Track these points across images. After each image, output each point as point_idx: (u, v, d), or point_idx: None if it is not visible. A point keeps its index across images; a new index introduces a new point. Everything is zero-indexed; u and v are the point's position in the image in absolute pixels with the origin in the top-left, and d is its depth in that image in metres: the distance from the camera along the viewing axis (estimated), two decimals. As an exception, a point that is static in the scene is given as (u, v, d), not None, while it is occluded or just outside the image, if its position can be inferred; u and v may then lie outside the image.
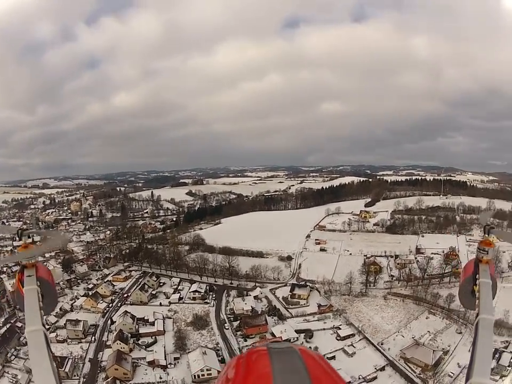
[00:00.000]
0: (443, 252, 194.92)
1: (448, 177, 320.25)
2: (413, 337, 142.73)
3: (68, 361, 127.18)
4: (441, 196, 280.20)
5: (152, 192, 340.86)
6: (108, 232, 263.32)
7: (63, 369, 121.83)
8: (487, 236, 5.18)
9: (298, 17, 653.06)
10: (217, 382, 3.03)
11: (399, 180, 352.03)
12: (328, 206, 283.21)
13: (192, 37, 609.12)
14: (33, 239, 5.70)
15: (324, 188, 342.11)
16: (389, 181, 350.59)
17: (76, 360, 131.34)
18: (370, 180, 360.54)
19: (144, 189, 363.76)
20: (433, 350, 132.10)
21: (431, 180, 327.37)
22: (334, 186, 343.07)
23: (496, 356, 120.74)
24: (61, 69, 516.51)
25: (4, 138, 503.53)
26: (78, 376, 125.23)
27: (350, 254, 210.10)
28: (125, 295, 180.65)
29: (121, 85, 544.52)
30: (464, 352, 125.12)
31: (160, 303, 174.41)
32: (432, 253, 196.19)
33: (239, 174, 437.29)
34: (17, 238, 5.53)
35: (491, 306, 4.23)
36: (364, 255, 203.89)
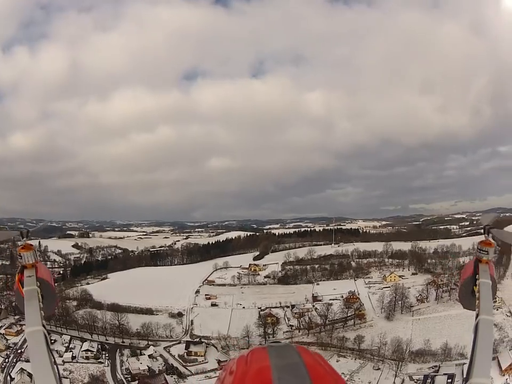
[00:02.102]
0: (342, 297, 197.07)
1: (338, 226, 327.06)
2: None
3: None
4: (333, 244, 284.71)
5: (39, 242, 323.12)
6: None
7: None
8: (487, 236, 4.94)
9: (197, 70, 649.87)
10: (218, 380, 2.98)
11: (287, 233, 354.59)
12: (215, 261, 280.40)
13: (92, 80, 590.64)
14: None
15: (210, 242, 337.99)
16: (277, 233, 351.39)
17: None
18: (258, 233, 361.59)
19: (32, 238, 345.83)
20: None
21: (321, 230, 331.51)
22: (221, 241, 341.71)
23: (429, 381, 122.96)
24: None
25: None
26: None
27: (243, 307, 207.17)
28: (19, 351, 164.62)
29: (20, 124, 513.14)
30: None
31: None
32: (330, 299, 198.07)
33: (125, 228, 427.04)
34: (21, 238, 4.95)
35: (491, 306, 4.04)
36: (258, 308, 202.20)
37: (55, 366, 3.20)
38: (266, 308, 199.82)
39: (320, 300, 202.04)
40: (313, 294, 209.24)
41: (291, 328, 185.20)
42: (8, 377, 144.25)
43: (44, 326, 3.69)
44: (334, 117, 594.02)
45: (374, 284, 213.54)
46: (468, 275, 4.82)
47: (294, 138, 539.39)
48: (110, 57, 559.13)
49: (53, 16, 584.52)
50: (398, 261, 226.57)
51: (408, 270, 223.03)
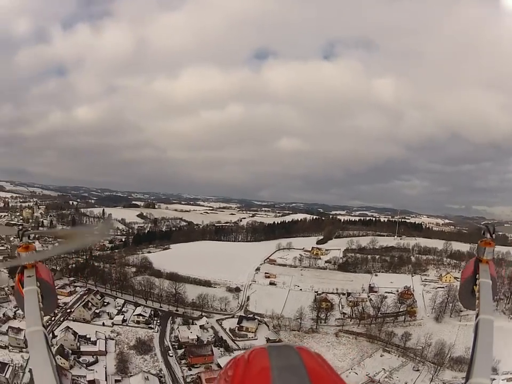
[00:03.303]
0: (397, 291, 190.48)
1: (402, 219, 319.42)
2: (367, 375, 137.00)
3: (8, 368, 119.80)
4: (395, 236, 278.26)
5: (103, 210, 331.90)
6: (57, 244, 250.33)
7: (3, 375, 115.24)
8: (487, 235, 5.22)
9: (267, 50, 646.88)
10: (217, 380, 3.01)
11: (353, 220, 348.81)
12: (279, 241, 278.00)
13: (159, 58, 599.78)
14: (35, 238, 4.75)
15: (276, 222, 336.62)
16: (342, 220, 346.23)
17: (17, 368, 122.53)
18: (323, 218, 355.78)
19: (96, 206, 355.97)
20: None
21: (385, 221, 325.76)
22: (286, 221, 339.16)
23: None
24: (30, 70, 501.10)
25: None
26: None
27: (301, 289, 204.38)
28: (68, 310, 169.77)
29: (85, 98, 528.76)
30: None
31: (103, 323, 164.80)
32: (386, 292, 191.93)
33: (192, 202, 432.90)
34: (18, 239, 5.36)
35: (491, 306, 4.26)
36: (315, 292, 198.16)
37: (55, 366, 3.29)
38: (323, 292, 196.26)
39: (376, 291, 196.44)
40: (370, 285, 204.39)
41: (343, 316, 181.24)
42: (51, 334, 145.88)
43: (44, 326, 3.83)
44: (403, 106, 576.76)
45: (430, 282, 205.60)
46: (468, 275, 4.98)
47: (363, 125, 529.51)
48: (177, 36, 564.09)
49: None
50: (455, 261, 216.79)
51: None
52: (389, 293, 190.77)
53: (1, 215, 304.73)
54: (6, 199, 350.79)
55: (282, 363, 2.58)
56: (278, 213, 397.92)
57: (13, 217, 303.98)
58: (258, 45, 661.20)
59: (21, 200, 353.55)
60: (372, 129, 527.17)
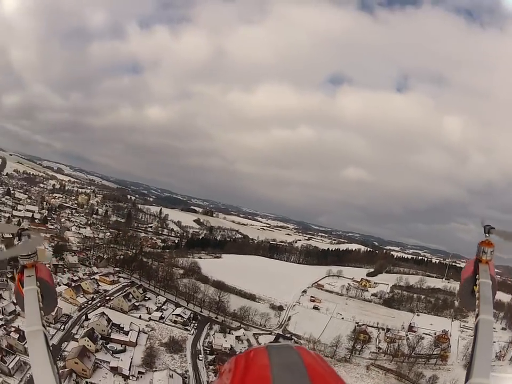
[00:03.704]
0: (435, 334, 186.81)
1: (453, 263, 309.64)
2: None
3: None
4: (443, 279, 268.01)
5: (161, 209, 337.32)
6: (108, 233, 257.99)
7: (22, 344, 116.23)
8: (488, 236, 5.03)
9: (343, 75, 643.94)
10: (217, 380, 2.96)
11: (405, 257, 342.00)
12: (330, 267, 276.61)
13: (236, 69, 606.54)
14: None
15: (330, 249, 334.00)
16: (395, 256, 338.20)
17: None
18: (377, 251, 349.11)
19: (154, 204, 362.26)
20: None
21: (436, 262, 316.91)
22: (340, 249, 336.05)
23: None
24: (103, 63, 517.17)
25: (32, 111, 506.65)
26: None
27: (342, 318, 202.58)
28: (107, 298, 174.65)
29: (158, 98, 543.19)
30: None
31: (140, 316, 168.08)
32: (423, 333, 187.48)
33: (250, 217, 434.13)
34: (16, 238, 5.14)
35: (491, 306, 4.14)
36: (356, 322, 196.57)
37: (55, 366, 3.21)
38: (363, 324, 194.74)
39: (414, 331, 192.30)
40: (410, 324, 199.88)
41: (378, 351, 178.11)
42: (84, 317, 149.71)
43: (43, 325, 3.70)
44: (468, 147, 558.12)
45: (468, 329, 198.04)
46: (468, 275, 4.81)
47: (427, 162, 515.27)
48: (256, 50, 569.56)
49: (194, 1, 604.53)
50: (495, 311, 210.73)
51: (500, 323, 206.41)
52: (426, 334, 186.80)
53: (56, 196, 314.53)
54: (63, 182, 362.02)
55: (282, 362, 2.56)
56: (334, 240, 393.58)
57: (67, 199, 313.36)
58: (334, 68, 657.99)
59: (78, 186, 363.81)
60: (435, 167, 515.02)
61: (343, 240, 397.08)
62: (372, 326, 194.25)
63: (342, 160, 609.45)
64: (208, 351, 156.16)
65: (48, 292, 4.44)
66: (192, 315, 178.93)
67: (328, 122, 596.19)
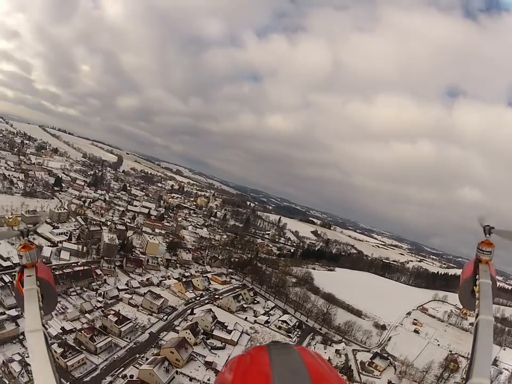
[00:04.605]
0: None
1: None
2: None
3: (128, 323, 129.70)
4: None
5: (280, 218, 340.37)
6: (225, 236, 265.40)
7: (118, 327, 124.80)
8: (488, 236, 4.90)
9: (459, 88, 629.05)
10: (217, 380, 3.05)
11: (506, 287, 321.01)
12: (436, 292, 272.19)
13: (354, 80, 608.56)
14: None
15: (439, 273, 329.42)
16: (504, 287, 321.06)
17: (137, 326, 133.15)
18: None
19: (273, 212, 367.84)
20: None
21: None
22: (448, 274, 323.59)
23: None
24: (221, 70, 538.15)
25: (149, 114, 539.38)
26: (129, 339, 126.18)
27: (438, 344, 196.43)
28: (216, 296, 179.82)
29: (277, 107, 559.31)
30: None
31: (246, 318, 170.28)
32: (504, 368, 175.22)
33: (366, 233, 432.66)
34: (21, 238, 5.00)
35: (491, 306, 4.11)
36: (449, 350, 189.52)
37: (55, 366, 3.19)
38: (456, 353, 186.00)
39: (497, 365, 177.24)
40: (495, 357, 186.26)
41: (461, 381, 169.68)
42: (189, 311, 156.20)
43: (43, 325, 3.71)
44: None
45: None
46: (468, 275, 4.80)
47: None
48: (371, 60, 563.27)
49: (306, 10, 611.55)
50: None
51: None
52: (506, 369, 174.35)
53: (174, 196, 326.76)
54: (182, 184, 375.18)
55: (282, 362, 2.59)
56: (444, 263, 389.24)
57: (185, 200, 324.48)
58: (451, 80, 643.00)
59: (197, 188, 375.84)
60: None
61: (452, 265, 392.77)
62: (463, 356, 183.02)
63: (458, 178, 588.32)
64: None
65: (48, 291, 4.52)
66: (297, 323, 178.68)
67: (445, 136, 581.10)
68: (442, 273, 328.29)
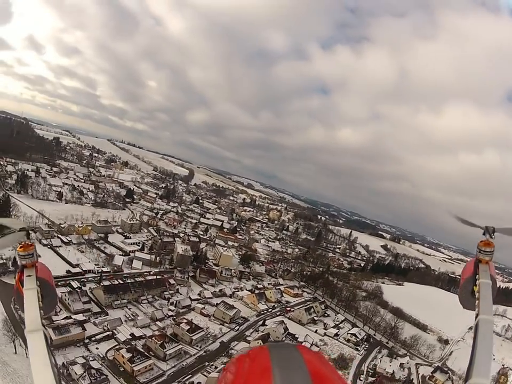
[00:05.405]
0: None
1: None
2: None
3: (200, 331, 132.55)
4: None
5: (351, 232, 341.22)
6: (297, 250, 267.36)
7: (190, 336, 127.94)
8: (487, 236, 4.64)
9: None
10: (219, 379, 2.89)
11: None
12: (497, 306, 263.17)
13: (420, 89, 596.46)
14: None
15: (500, 287, 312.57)
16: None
17: (208, 335, 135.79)
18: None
19: (343, 226, 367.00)
20: None
21: None
22: (510, 289, 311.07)
23: None
24: (290, 84, 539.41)
25: (219, 129, 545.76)
26: (200, 347, 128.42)
27: (494, 359, 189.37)
28: (288, 308, 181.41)
29: (347, 119, 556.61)
30: None
31: (316, 330, 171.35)
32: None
33: (433, 247, 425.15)
34: (26, 239, 4.73)
35: (491, 306, 3.74)
36: (502, 365, 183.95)
37: (55, 366, 3.10)
38: (507, 367, 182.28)
39: None
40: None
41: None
42: (260, 322, 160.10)
43: (43, 325, 3.67)
44: None
45: None
46: (468, 275, 4.73)
47: None
48: (435, 67, 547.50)
49: (367, 19, 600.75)
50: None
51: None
52: None
53: (247, 209, 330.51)
54: (254, 197, 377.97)
55: (283, 361, 2.51)
56: (505, 277, 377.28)
57: (257, 214, 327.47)
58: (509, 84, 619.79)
59: (269, 202, 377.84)
60: None
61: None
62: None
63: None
64: (370, 373, 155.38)
65: (48, 291, 4.49)
66: (365, 336, 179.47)
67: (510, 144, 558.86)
68: (504, 287, 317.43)
